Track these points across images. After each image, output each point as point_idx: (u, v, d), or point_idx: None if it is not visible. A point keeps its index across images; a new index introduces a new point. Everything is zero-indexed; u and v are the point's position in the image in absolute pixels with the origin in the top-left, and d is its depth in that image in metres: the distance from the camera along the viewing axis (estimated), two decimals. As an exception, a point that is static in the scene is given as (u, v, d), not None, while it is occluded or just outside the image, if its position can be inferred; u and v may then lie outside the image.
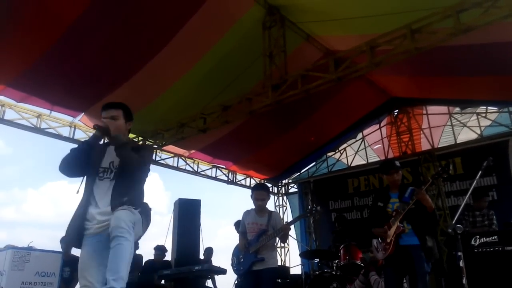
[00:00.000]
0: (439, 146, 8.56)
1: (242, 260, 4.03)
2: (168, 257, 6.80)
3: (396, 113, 9.30)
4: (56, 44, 5.27)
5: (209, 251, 7.79)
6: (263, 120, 7.84)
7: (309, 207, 4.16)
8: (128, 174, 2.58)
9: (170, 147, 8.13)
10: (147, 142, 7.36)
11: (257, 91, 5.92)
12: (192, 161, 8.95)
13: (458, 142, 8.36)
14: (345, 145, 9.93)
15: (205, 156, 8.97)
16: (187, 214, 6.68)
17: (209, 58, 6.30)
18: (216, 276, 7.45)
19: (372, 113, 9.25)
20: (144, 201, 2.67)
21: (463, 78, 7.21)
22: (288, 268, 7.47)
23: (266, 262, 3.89)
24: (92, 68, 5.85)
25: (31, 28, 5.03)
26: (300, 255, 6.31)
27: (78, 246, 2.53)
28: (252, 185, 10.09)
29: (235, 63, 6.58)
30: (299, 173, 10.64)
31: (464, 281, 2.63)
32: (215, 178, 9.43)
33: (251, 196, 4.15)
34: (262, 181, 10.58)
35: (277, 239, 4.10)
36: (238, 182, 9.99)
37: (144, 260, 6.75)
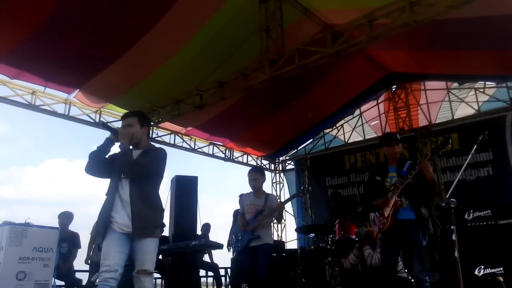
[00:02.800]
0: (436, 122, 8.54)
1: (240, 238, 4.33)
2: (166, 233, 6.88)
3: (394, 89, 9.23)
4: (48, 19, 5.15)
5: (206, 227, 7.88)
6: (260, 97, 7.78)
7: (301, 187, 4.27)
8: (136, 177, 2.87)
9: (167, 124, 8.08)
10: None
11: (254, 67, 5.83)
12: (189, 138, 8.92)
13: (455, 117, 8.35)
14: (342, 121, 9.91)
15: (202, 133, 8.94)
16: (184, 190, 6.69)
17: (203, 34, 6.18)
18: (213, 251, 7.58)
19: (370, 89, 9.18)
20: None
21: (462, 53, 7.12)
22: (283, 243, 7.58)
23: (262, 239, 4.17)
24: (85, 44, 5.74)
25: (22, 3, 4.90)
26: (296, 230, 6.38)
27: (103, 236, 2.85)
28: (249, 162, 10.15)
29: (231, 38, 6.47)
30: (296, 150, 10.65)
31: (456, 254, 2.66)
32: (212, 155, 9.43)
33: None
34: (260, 158, 10.61)
35: (273, 218, 4.29)
36: (235, 159, 10.00)
37: None
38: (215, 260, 7.53)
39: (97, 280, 2.80)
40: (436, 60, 7.86)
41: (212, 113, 7.97)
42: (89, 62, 6.09)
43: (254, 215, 4.29)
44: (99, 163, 2.93)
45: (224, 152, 9.73)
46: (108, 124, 3.11)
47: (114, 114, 7.55)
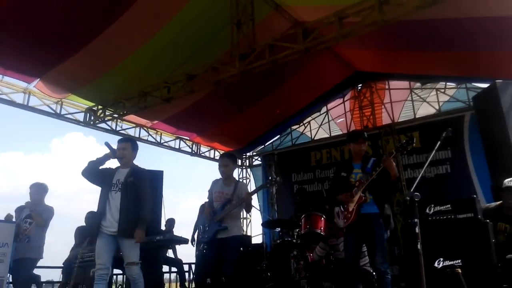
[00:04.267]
0: (399, 121, 8.82)
1: (207, 228, 4.12)
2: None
3: (359, 88, 9.45)
4: (8, 5, 4.86)
5: (170, 222, 7.75)
6: (229, 92, 7.72)
7: (270, 177, 4.21)
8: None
9: (132, 117, 7.87)
10: (107, 111, 7.07)
11: (224, 60, 5.76)
12: (155, 131, 8.73)
13: (417, 116, 8.65)
14: (309, 118, 10.03)
15: (168, 127, 8.77)
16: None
17: (173, 25, 6.05)
18: (177, 247, 7.47)
19: (337, 87, 9.32)
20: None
21: (425, 53, 7.34)
22: (250, 237, 7.59)
23: (229, 231, 4.02)
24: (49, 32, 5.48)
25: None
26: (263, 224, 6.40)
27: (96, 235, 3.72)
28: (216, 157, 10.07)
29: (201, 31, 6.36)
30: (263, 146, 10.69)
31: (419, 246, 2.74)
32: (179, 150, 9.29)
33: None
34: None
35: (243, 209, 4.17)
36: (202, 154, 9.90)
37: None
38: (179, 256, 7.44)
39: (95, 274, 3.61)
40: (400, 60, 8.09)
41: (180, 106, 7.83)
42: (52, 50, 5.80)
43: (222, 205, 4.09)
44: (95, 171, 3.80)
45: (191, 146, 9.60)
46: (110, 144, 3.89)
47: (76, 106, 7.26)
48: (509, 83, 4.73)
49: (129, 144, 3.97)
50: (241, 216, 4.28)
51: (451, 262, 3.31)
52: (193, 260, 7.41)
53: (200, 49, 6.61)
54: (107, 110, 7.04)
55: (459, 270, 3.17)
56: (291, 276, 4.84)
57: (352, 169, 3.78)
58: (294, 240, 5.26)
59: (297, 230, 5.42)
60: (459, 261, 3.29)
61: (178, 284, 7.03)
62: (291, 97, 9.06)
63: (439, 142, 3.13)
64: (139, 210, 3.72)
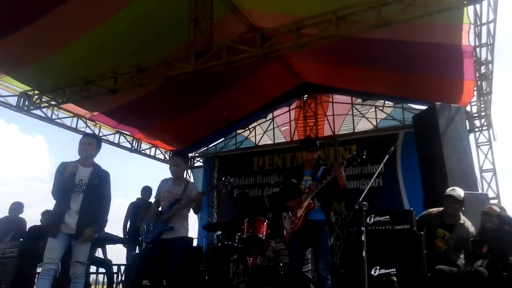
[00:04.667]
0: (339, 133, 9.22)
1: (152, 228, 3.95)
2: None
3: (305, 98, 9.75)
4: None
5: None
6: (176, 89, 7.53)
7: (223, 178, 4.13)
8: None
9: (70, 106, 7.39)
10: (44, 98, 6.55)
11: (178, 56, 5.62)
12: (94, 123, 8.25)
13: (356, 130, 9.11)
14: (255, 123, 10.12)
15: (109, 120, 8.34)
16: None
17: (126, 14, 5.77)
18: (107, 247, 7.10)
19: (284, 95, 9.52)
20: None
21: (368, 71, 7.76)
22: (192, 239, 7.45)
23: (176, 231, 3.89)
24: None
25: None
26: (204, 227, 6.30)
27: (55, 236, 3.60)
28: (157, 155, 9.78)
29: (155, 24, 6.15)
30: (206, 148, 10.57)
31: (364, 253, 2.88)
32: (118, 145, 8.87)
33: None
34: (168, 152, 10.29)
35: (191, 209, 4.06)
36: (142, 151, 9.53)
37: (28, 226, 6.13)
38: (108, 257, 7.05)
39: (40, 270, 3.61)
40: (345, 76, 8.48)
41: (123, 99, 7.46)
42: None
43: (169, 204, 3.94)
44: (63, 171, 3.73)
45: (131, 142, 9.20)
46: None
47: (9, 88, 6.64)
48: (446, 106, 5.17)
49: (94, 140, 3.94)
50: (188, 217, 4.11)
51: (387, 271, 3.50)
52: (123, 261, 7.13)
53: (152, 42, 6.39)
54: (44, 96, 6.52)
55: (395, 278, 3.36)
56: (228, 280, 4.80)
57: (303, 176, 3.86)
58: (235, 244, 5.23)
59: (238, 234, 5.40)
60: (394, 269, 3.50)
61: (106, 286, 6.66)
62: (238, 101, 9.07)
63: (387, 156, 3.32)
64: (97, 211, 3.75)
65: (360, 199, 3.22)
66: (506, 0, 7.76)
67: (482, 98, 6.67)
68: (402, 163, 8.03)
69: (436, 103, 5.06)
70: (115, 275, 6.95)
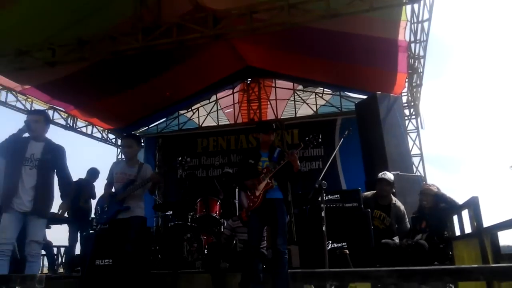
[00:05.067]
0: (282, 117, 9.51)
1: (106, 209, 3.92)
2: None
3: (249, 82, 9.88)
4: None
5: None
6: (117, 65, 7.21)
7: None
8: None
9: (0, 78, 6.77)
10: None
11: (123, 31, 5.41)
12: (25, 98, 7.66)
13: (297, 115, 9.46)
14: (198, 105, 10.07)
15: (41, 95, 7.77)
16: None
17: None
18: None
19: (228, 78, 9.57)
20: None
21: (310, 59, 8.07)
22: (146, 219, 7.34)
23: (131, 211, 3.91)
24: None
25: None
26: (154, 207, 6.24)
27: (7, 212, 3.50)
28: (94, 134, 9.37)
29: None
30: (147, 128, 10.30)
31: (323, 228, 3.11)
32: (51, 122, 8.29)
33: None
34: (106, 131, 9.89)
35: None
36: (78, 129, 9.05)
37: None
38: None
39: None
40: (287, 62, 8.73)
41: (58, 73, 6.95)
42: None
43: (124, 185, 3.94)
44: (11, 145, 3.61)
45: (65, 119, 8.69)
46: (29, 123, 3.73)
47: None
48: (386, 96, 5.60)
49: (42, 117, 3.87)
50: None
51: (339, 245, 3.80)
52: (62, 243, 6.85)
53: (92, 13, 6.03)
54: (-32, 65, 5.91)
55: (347, 251, 3.67)
56: (183, 258, 4.86)
57: (260, 157, 3.99)
58: (188, 223, 5.28)
59: (191, 213, 5.44)
60: (345, 243, 3.81)
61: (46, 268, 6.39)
62: (182, 81, 8.94)
63: (342, 140, 3.57)
64: (52, 188, 3.73)
65: (320, 179, 3.43)
66: (441, 2, 8.43)
67: (413, 90, 7.27)
68: (340, 147, 8.51)
69: (377, 92, 5.46)
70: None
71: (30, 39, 5.74)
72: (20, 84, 7.27)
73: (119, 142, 10.28)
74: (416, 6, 5.05)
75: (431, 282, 1.35)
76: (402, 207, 4.63)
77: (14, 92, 7.37)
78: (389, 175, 4.69)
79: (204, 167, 9.46)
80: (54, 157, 3.73)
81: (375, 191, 4.61)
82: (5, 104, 7.18)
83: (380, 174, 4.63)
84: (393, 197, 4.68)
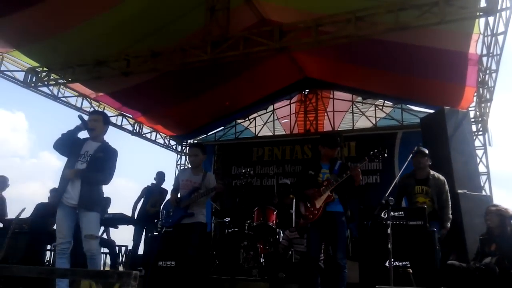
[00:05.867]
0: (339, 129, 9.41)
1: (172, 213, 4.12)
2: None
3: (306, 93, 9.90)
4: None
5: (106, 201, 7.41)
6: (182, 76, 7.58)
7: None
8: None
9: (77, 86, 7.37)
10: (52, 75, 6.54)
11: (193, 44, 5.68)
12: (98, 104, 8.24)
13: (355, 128, 9.31)
14: (255, 114, 10.22)
15: (113, 102, 8.33)
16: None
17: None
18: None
19: (286, 88, 9.64)
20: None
21: (371, 70, 7.90)
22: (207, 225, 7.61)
23: (195, 217, 4.10)
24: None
25: None
26: (213, 213, 6.44)
27: (58, 206, 3.63)
28: (157, 140, 9.84)
29: (169, 8, 6.18)
30: (205, 135, 10.64)
31: (389, 245, 3.06)
32: (120, 127, 8.87)
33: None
34: (168, 138, 10.35)
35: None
36: (143, 135, 9.56)
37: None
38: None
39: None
40: (347, 73, 8.64)
41: (130, 82, 7.47)
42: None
43: (189, 192, 4.15)
44: (68, 144, 3.74)
45: (133, 125, 9.22)
46: (83, 116, 3.85)
47: (17, 63, 6.60)
48: (454, 111, 5.39)
49: (101, 117, 3.97)
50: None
51: (401, 263, 3.70)
52: (124, 243, 7.24)
53: (164, 26, 6.42)
54: (52, 74, 6.50)
55: (410, 270, 3.57)
56: (239, 265, 4.97)
57: (321, 169, 4.00)
58: (246, 231, 5.39)
59: (248, 221, 5.55)
60: (408, 262, 3.70)
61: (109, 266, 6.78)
62: (241, 91, 9.16)
63: (410, 155, 3.54)
64: (100, 184, 3.84)
65: (387, 194, 3.39)
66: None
67: (481, 105, 6.92)
68: (399, 161, 8.27)
69: (445, 107, 5.26)
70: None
71: (107, 51, 6.21)
72: (94, 92, 7.84)
73: (179, 148, 10.71)
74: (491, 19, 4.83)
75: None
76: (441, 177, 4.64)
77: (88, 99, 7.95)
78: (424, 148, 4.71)
79: (259, 176, 9.54)
80: (106, 155, 3.76)
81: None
82: (79, 109, 7.76)
83: (416, 148, 4.67)
84: (430, 171, 4.68)
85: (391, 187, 3.45)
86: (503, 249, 4.01)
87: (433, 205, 4.49)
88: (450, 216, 4.50)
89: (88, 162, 3.68)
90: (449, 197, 4.59)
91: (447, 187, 4.60)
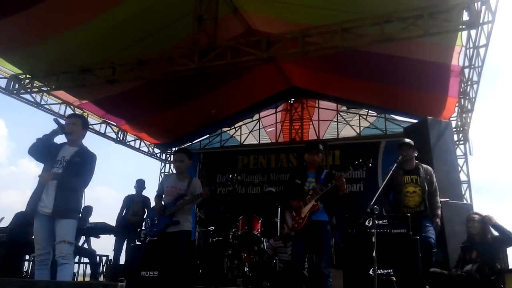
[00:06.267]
0: (323, 138, 9.49)
1: (156, 222, 4.02)
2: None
3: (292, 102, 9.97)
4: None
5: (87, 210, 7.26)
6: (167, 85, 7.54)
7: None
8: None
9: (60, 93, 7.25)
10: (35, 82, 6.44)
11: (181, 53, 5.67)
12: (82, 112, 8.12)
13: (340, 137, 9.41)
14: (241, 123, 10.23)
15: (97, 109, 8.22)
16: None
17: (129, 5, 5.78)
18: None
19: (272, 97, 9.70)
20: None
21: (356, 81, 8.04)
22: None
23: (180, 225, 3.99)
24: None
25: None
26: (197, 222, 6.39)
27: (34, 216, 3.43)
28: (141, 148, 9.73)
29: (156, 18, 6.17)
30: (190, 143, 10.58)
31: (374, 254, 3.08)
32: (104, 135, 8.76)
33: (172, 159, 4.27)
34: (152, 146, 10.25)
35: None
36: (127, 143, 9.45)
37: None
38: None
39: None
40: (332, 83, 8.74)
41: (114, 90, 7.41)
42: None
43: (174, 199, 4.03)
44: (44, 149, 3.52)
45: (116, 133, 9.11)
46: (59, 120, 3.67)
47: (0, 70, 6.45)
48: (437, 121, 5.51)
49: (79, 120, 3.76)
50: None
51: (385, 271, 3.74)
52: (105, 252, 7.10)
53: (151, 35, 6.40)
54: (35, 81, 6.40)
55: (394, 278, 3.60)
56: (223, 275, 4.93)
57: (307, 178, 4.02)
58: (230, 240, 5.36)
59: (233, 229, 5.52)
60: (391, 270, 3.74)
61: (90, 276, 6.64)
62: (227, 100, 9.16)
63: (395, 165, 3.60)
64: (76, 190, 3.53)
65: (372, 203, 3.42)
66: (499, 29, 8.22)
67: (462, 115, 7.09)
68: (382, 170, 8.37)
69: (428, 117, 5.38)
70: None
71: (92, 58, 6.14)
72: (78, 99, 7.73)
73: (163, 156, 10.62)
74: (473, 32, 4.98)
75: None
76: (429, 168, 4.62)
77: (72, 106, 7.83)
78: (409, 139, 4.68)
79: (244, 184, 9.51)
80: (83, 160, 3.53)
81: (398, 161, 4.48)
82: (63, 117, 7.61)
83: (401, 139, 4.64)
84: (415, 161, 4.62)
85: (376, 196, 3.48)
86: (484, 257, 4.09)
87: (423, 195, 4.42)
88: (439, 204, 4.48)
89: (64, 168, 3.46)
90: (436, 185, 4.56)
91: (434, 176, 4.57)
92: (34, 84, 6.46)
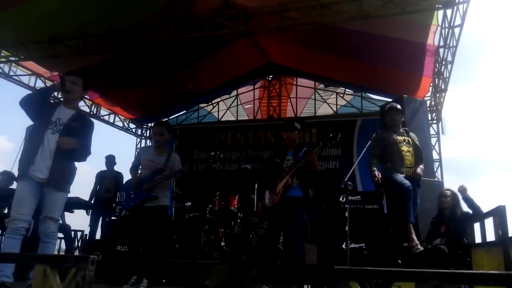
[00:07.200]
0: (301, 116, 9.53)
1: (132, 196, 3.94)
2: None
3: (270, 78, 9.91)
4: None
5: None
6: (143, 57, 7.34)
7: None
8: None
9: (29, 63, 6.96)
10: (3, 52, 6.14)
11: (155, 23, 5.51)
12: (53, 83, 7.82)
13: (317, 114, 9.47)
14: (218, 99, 10.14)
15: (69, 82, 7.93)
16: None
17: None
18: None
19: (249, 73, 9.60)
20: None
21: (334, 59, 8.06)
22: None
23: (158, 200, 3.92)
24: None
25: None
26: (174, 198, 6.35)
27: (23, 179, 3.06)
28: (115, 123, 9.53)
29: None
30: (167, 119, 10.41)
31: (347, 228, 3.16)
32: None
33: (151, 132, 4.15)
34: (127, 121, 10.05)
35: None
36: (101, 117, 9.22)
37: None
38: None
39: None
40: (311, 60, 8.70)
41: (86, 62, 7.13)
42: None
43: (152, 173, 3.92)
44: (40, 104, 3.17)
45: (90, 107, 8.87)
46: (64, 77, 3.22)
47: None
48: (412, 99, 5.59)
49: (81, 80, 3.31)
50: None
51: (357, 245, 3.85)
52: (80, 227, 7.03)
53: (124, 3, 6.15)
54: (3, 51, 6.11)
55: (365, 252, 3.72)
56: (200, 249, 4.96)
57: (286, 156, 4.05)
58: (207, 215, 5.38)
59: (210, 205, 5.54)
60: (363, 244, 3.85)
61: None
62: (204, 75, 9.01)
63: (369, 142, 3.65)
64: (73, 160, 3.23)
65: (346, 179, 3.48)
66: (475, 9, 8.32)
67: (436, 94, 7.23)
68: (357, 148, 8.51)
69: (404, 96, 5.45)
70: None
71: (63, 28, 5.89)
72: (49, 70, 7.44)
73: (139, 131, 10.45)
74: (448, 11, 5.02)
75: (475, 285, 1.40)
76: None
77: (42, 78, 7.55)
78: (396, 104, 4.62)
79: (221, 161, 9.48)
80: (82, 126, 3.23)
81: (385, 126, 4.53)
82: (33, 89, 7.35)
83: (389, 104, 4.60)
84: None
85: (349, 174, 3.54)
86: (452, 231, 4.25)
87: (416, 156, 4.42)
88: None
89: (61, 132, 3.10)
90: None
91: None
92: (2, 54, 6.16)
